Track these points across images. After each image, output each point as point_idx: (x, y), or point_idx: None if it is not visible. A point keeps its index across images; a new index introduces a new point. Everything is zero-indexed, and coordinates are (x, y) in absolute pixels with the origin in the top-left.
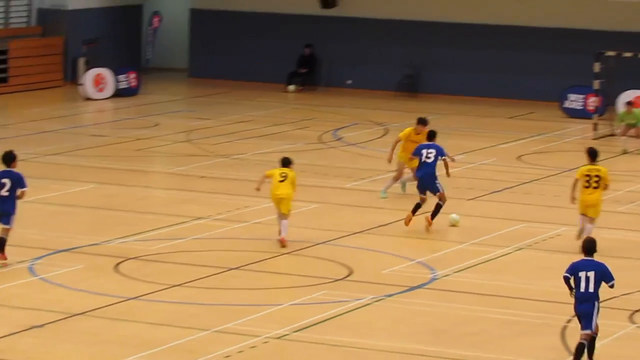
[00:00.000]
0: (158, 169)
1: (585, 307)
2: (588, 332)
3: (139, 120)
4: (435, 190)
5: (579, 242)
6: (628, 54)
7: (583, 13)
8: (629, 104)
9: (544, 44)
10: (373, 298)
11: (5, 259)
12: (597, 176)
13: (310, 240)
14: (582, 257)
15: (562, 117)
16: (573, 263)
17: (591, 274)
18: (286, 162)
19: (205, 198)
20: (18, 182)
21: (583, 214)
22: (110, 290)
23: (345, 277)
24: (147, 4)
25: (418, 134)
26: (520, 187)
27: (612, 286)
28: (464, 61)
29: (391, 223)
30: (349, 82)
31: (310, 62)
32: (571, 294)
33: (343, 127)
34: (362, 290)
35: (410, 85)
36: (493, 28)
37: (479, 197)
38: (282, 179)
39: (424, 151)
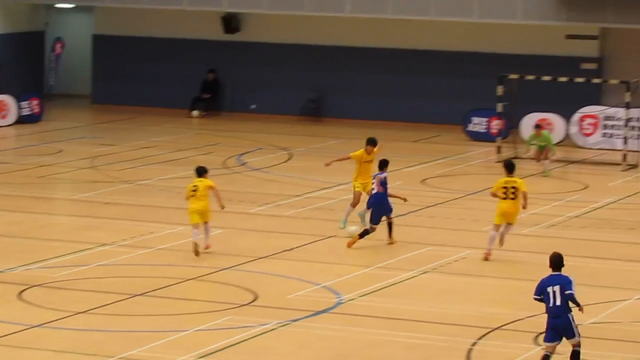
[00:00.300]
0: (62, 196)
1: (561, 321)
2: (576, 339)
3: (42, 147)
4: (388, 212)
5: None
6: (530, 77)
7: (485, 37)
8: (538, 127)
9: (447, 68)
10: (278, 323)
11: None
12: (513, 187)
13: (215, 266)
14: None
15: (465, 141)
16: (541, 280)
17: (557, 288)
18: (200, 172)
19: (110, 224)
20: None
21: (498, 224)
22: (14, 318)
23: (250, 303)
24: (49, 30)
25: (369, 154)
26: (425, 211)
27: (569, 295)
28: (367, 85)
29: (296, 248)
30: (253, 107)
31: (213, 87)
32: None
33: (247, 152)
34: (267, 316)
35: (314, 109)
36: (396, 52)
37: (384, 221)
38: (192, 193)
39: (376, 178)
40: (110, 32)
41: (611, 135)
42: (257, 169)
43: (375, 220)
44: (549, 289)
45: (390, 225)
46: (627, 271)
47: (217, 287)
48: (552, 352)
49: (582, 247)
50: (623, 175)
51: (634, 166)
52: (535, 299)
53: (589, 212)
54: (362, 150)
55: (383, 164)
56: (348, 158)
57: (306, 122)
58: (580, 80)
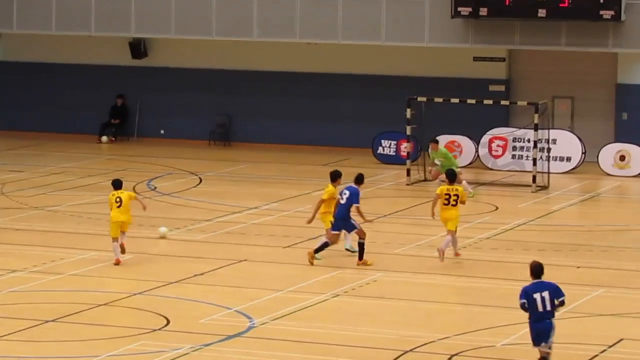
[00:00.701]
0: None
1: (543, 325)
2: (549, 344)
3: None
4: (350, 228)
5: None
6: (439, 99)
7: (394, 60)
8: (434, 142)
9: (355, 91)
10: (191, 347)
11: None
12: (455, 195)
13: (126, 291)
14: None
15: (375, 163)
16: (524, 288)
17: (546, 294)
18: (118, 184)
19: (20, 251)
20: None
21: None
22: None
23: (162, 327)
24: None
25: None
26: None
27: (562, 302)
28: (276, 109)
29: (207, 272)
30: (162, 132)
31: (122, 113)
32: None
33: (157, 177)
34: (180, 340)
35: (223, 134)
36: (305, 75)
37: (295, 244)
38: (116, 204)
39: (343, 191)
40: (17, 59)
41: (520, 157)
42: (167, 193)
43: (336, 228)
44: (536, 296)
45: (360, 246)
46: None
47: (129, 312)
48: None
49: (493, 269)
50: (533, 197)
51: (543, 187)
52: (522, 304)
53: (499, 233)
54: (330, 186)
55: (358, 179)
56: (323, 202)
57: (215, 146)
58: (488, 102)
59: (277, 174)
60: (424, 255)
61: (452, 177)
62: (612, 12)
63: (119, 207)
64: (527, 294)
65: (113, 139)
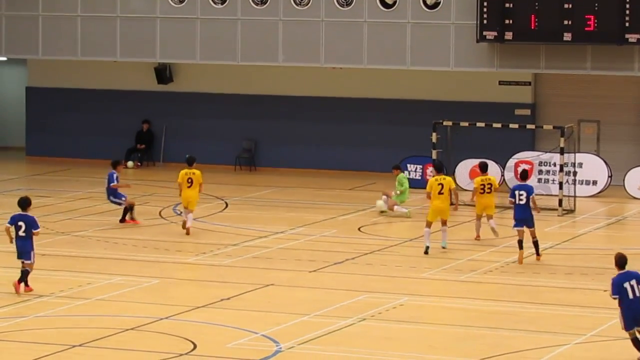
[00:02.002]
0: None
1: (635, 310)
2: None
3: None
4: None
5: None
6: (464, 124)
7: (419, 84)
8: (397, 167)
9: (382, 115)
10: None
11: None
12: (489, 183)
13: (153, 316)
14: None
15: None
16: (614, 280)
17: (633, 282)
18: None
19: (47, 276)
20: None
21: (480, 214)
22: None
23: (189, 352)
24: None
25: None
26: (362, 258)
27: None
28: (302, 134)
29: (234, 297)
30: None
31: (148, 138)
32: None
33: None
34: None
35: (249, 159)
36: (331, 100)
37: (321, 268)
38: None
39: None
40: (43, 85)
41: (547, 181)
42: (193, 218)
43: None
44: (626, 285)
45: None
46: (565, 316)
47: (155, 337)
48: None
49: (520, 293)
50: (559, 221)
51: (570, 211)
52: (614, 299)
53: (525, 257)
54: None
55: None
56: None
57: (241, 171)
58: (514, 126)
59: (302, 198)
60: (450, 280)
61: (484, 168)
62: (637, 36)
63: (189, 186)
64: (618, 286)
65: (139, 164)
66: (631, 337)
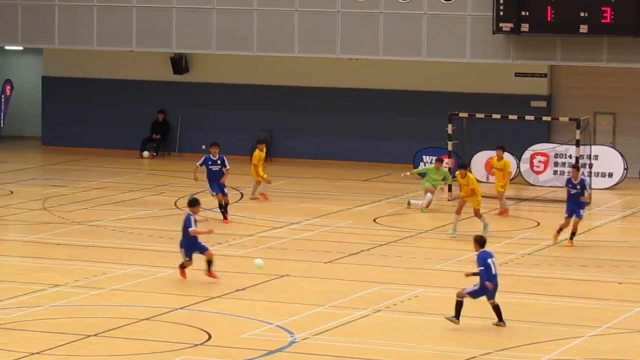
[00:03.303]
0: (13, 237)
1: (496, 284)
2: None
3: None
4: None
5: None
6: (480, 115)
7: (435, 75)
8: (439, 161)
9: (397, 107)
10: None
11: None
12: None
13: (168, 306)
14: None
15: (417, 179)
16: (479, 255)
17: (494, 260)
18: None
19: (62, 265)
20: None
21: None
22: None
23: (204, 342)
24: None
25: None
26: (377, 249)
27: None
28: (317, 125)
29: (249, 287)
30: (203, 147)
31: (163, 128)
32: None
33: (198, 192)
34: (221, 355)
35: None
36: (346, 91)
37: (336, 259)
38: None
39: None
40: (59, 74)
41: (562, 173)
42: (208, 209)
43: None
44: (489, 261)
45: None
46: (580, 308)
47: (170, 327)
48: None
49: (535, 285)
50: None
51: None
52: (481, 271)
53: (541, 249)
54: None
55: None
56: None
57: None
58: (530, 118)
59: (318, 189)
60: (465, 271)
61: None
62: None
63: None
64: (483, 260)
65: (154, 154)
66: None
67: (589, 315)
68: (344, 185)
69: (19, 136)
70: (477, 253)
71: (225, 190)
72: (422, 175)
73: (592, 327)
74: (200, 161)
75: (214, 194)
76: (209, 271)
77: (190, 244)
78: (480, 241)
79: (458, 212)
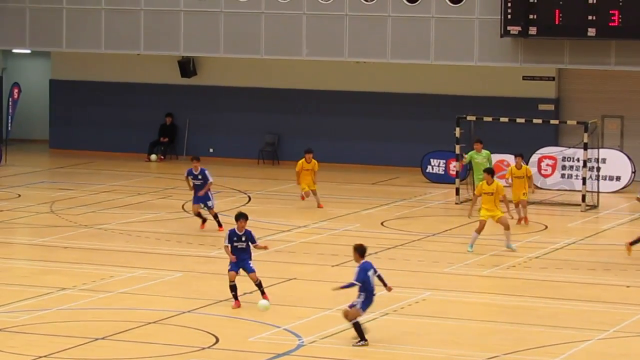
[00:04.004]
0: (21, 240)
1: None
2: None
3: (0, 192)
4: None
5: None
6: (488, 119)
7: (443, 79)
8: (478, 142)
9: (405, 110)
10: None
11: None
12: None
13: (175, 309)
14: None
15: (424, 182)
16: (361, 267)
17: (372, 273)
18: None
19: (69, 269)
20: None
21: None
22: None
23: (211, 346)
24: (6, 75)
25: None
26: (385, 253)
27: (379, 275)
28: (325, 128)
29: (256, 290)
30: (211, 150)
31: (171, 132)
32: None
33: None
34: (229, 358)
35: (272, 152)
36: (354, 94)
37: (344, 263)
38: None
39: None
40: (67, 77)
41: (570, 176)
42: (216, 212)
43: None
44: (370, 273)
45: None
46: (588, 312)
47: (178, 330)
48: None
49: (543, 288)
50: (582, 216)
51: (593, 207)
52: (349, 284)
53: (548, 252)
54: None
55: None
56: (478, 196)
57: (264, 165)
58: (537, 121)
59: (325, 192)
60: (473, 274)
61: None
62: None
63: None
64: (365, 273)
65: (162, 157)
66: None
67: (597, 319)
68: (351, 188)
69: (26, 139)
70: (358, 264)
71: (209, 202)
72: (470, 167)
73: (599, 331)
74: (185, 173)
75: (202, 207)
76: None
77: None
78: (360, 250)
79: (479, 231)
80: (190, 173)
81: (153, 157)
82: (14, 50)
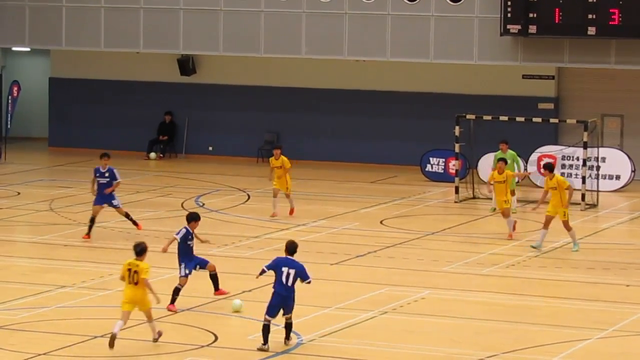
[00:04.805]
0: (20, 238)
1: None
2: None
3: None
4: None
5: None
6: (487, 117)
7: (442, 77)
8: (504, 142)
9: (404, 109)
10: None
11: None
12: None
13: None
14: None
15: (423, 181)
16: (277, 258)
17: (292, 271)
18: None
19: (69, 266)
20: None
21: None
22: None
23: (211, 344)
24: (6, 73)
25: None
26: (384, 251)
27: (309, 282)
28: (324, 126)
29: (255, 289)
30: (211, 148)
31: (170, 130)
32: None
33: (205, 194)
34: (228, 356)
35: (271, 151)
36: (353, 93)
37: (343, 261)
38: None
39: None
40: (66, 75)
41: (569, 175)
42: (215, 210)
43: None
44: (284, 269)
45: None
46: (587, 311)
47: (177, 328)
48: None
49: (542, 287)
50: (582, 215)
51: (592, 206)
52: (263, 270)
53: (548, 251)
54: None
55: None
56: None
57: (263, 163)
58: (537, 120)
59: (325, 191)
60: (472, 273)
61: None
62: None
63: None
64: (276, 264)
65: (161, 155)
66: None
67: (596, 318)
68: (350, 187)
69: (26, 137)
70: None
71: (114, 202)
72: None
73: (599, 330)
74: (93, 173)
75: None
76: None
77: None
78: (289, 248)
79: (546, 226)
80: (97, 171)
81: (152, 155)
82: (14, 48)
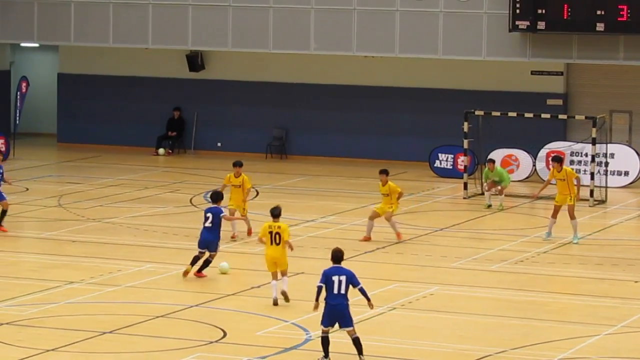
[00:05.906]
0: (29, 234)
1: (339, 308)
2: (351, 328)
3: (8, 186)
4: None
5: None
6: (496, 113)
7: (451, 73)
8: (491, 161)
9: (413, 105)
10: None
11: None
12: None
13: (183, 303)
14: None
15: (432, 177)
16: (324, 270)
17: (343, 278)
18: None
19: (77, 262)
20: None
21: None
22: None
23: (219, 340)
24: (14, 69)
25: None
26: (393, 247)
27: (360, 288)
28: (333, 122)
29: (263, 285)
30: (219, 144)
31: (179, 126)
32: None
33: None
34: (236, 352)
35: (280, 147)
36: (362, 89)
37: (352, 257)
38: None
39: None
40: (75, 71)
41: (578, 171)
42: (224, 206)
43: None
44: (334, 278)
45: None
46: (595, 307)
47: (185, 324)
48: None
49: (550, 283)
50: (590, 211)
51: (601, 202)
52: (319, 287)
53: (556, 247)
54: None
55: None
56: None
57: (272, 159)
58: (546, 116)
59: (333, 187)
60: (481, 269)
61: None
62: None
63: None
64: (326, 276)
65: (170, 151)
66: (322, 335)
67: (605, 314)
68: (359, 183)
69: (34, 133)
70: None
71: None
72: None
73: (607, 326)
74: None
75: None
76: None
77: None
78: (335, 257)
79: (554, 216)
80: None
81: (161, 151)
82: (22, 44)
